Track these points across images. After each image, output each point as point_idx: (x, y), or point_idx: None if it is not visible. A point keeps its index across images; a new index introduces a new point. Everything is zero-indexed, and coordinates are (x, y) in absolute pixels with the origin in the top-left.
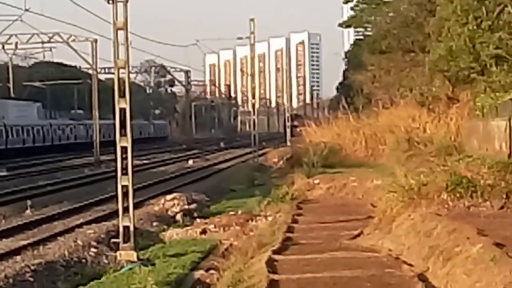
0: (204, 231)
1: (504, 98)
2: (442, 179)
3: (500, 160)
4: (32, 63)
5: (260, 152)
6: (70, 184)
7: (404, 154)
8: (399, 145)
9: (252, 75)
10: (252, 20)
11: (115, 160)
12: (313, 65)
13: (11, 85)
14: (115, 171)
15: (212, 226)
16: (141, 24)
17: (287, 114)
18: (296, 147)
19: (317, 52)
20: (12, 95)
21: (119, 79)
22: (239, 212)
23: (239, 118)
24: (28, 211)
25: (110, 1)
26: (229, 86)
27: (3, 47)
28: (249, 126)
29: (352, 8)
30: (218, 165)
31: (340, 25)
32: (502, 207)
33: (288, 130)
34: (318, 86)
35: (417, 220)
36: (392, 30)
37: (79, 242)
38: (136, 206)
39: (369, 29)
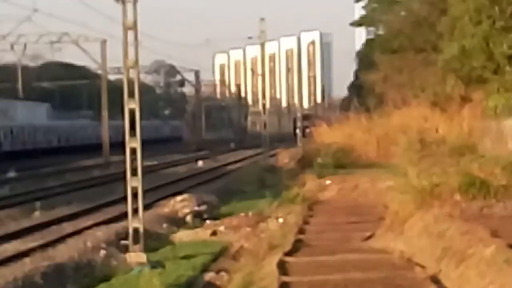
0: (214, 233)
1: None
2: (455, 180)
3: None
4: (41, 64)
5: (271, 152)
6: (79, 185)
7: (416, 155)
8: (411, 146)
9: (263, 75)
10: (262, 19)
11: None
12: (324, 64)
13: (20, 86)
14: (125, 172)
15: (223, 227)
16: (150, 24)
17: (298, 114)
18: (307, 148)
19: (328, 52)
20: (21, 95)
21: (128, 79)
22: (250, 213)
23: (249, 118)
24: (37, 213)
25: (120, 1)
26: (239, 86)
27: (12, 47)
28: (260, 127)
29: (363, 7)
30: (228, 166)
31: (352, 24)
32: None
33: (297, 131)
34: (329, 86)
35: (429, 221)
36: (404, 30)
37: (89, 244)
38: (146, 207)
39: (380, 28)
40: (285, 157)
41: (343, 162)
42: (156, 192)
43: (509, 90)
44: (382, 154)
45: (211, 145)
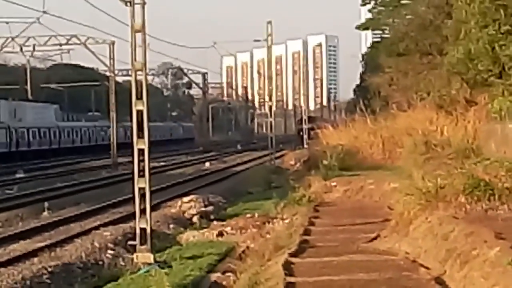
0: (221, 234)
1: None
2: (460, 182)
3: None
4: (50, 65)
5: (277, 154)
6: (87, 186)
7: (422, 157)
8: (417, 148)
9: (270, 78)
10: (269, 22)
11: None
12: (330, 67)
13: (28, 87)
14: (132, 173)
15: (229, 228)
16: (158, 26)
17: (303, 116)
18: (313, 150)
19: (334, 55)
20: (30, 97)
21: (136, 81)
22: (256, 214)
23: (256, 120)
24: (45, 213)
25: (128, 3)
26: (246, 88)
27: (21, 49)
28: (266, 129)
29: (369, 11)
30: (235, 168)
31: (358, 27)
32: None
33: (301, 133)
34: (335, 88)
35: (434, 223)
36: (410, 33)
37: (96, 244)
38: (153, 208)
39: (386, 31)
40: (291, 159)
41: (348, 164)
42: (164, 193)
43: None
44: (387, 156)
45: (218, 147)
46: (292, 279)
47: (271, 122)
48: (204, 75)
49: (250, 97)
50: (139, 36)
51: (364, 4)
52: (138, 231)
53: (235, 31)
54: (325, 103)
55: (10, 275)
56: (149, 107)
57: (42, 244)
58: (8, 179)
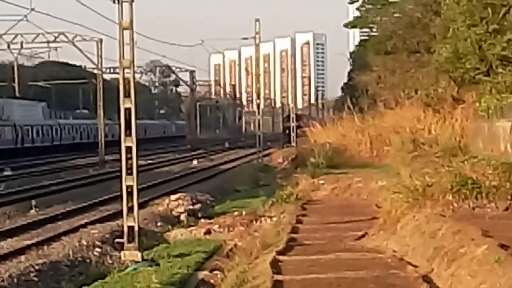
0: (208, 232)
1: (509, 99)
2: (447, 180)
3: (505, 161)
4: (38, 63)
5: (265, 152)
6: (74, 184)
7: (409, 155)
8: (404, 146)
9: (257, 76)
10: (257, 20)
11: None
12: (318, 65)
13: (16, 85)
14: (120, 171)
15: (217, 226)
16: (146, 24)
17: (291, 114)
18: (301, 148)
19: (322, 53)
20: (17, 94)
21: (124, 79)
22: (244, 212)
23: (244, 118)
24: (32, 211)
25: (116, 1)
26: (234, 86)
27: (9, 46)
28: (254, 126)
29: (357, 9)
30: (222, 165)
31: (346, 25)
32: (507, 209)
33: (287, 131)
34: (323, 86)
35: (421, 221)
36: (398, 31)
37: (84, 242)
38: (141, 206)
39: (374, 29)
40: (279, 157)
41: (336, 162)
42: (151, 191)
43: (501, 91)
44: (375, 154)
45: (206, 145)
46: (279, 277)
47: (259, 120)
48: (192, 73)
49: (238, 95)
50: (127, 33)
51: (352, 2)
52: (125, 229)
53: (223, 29)
54: (313, 101)
55: None
56: (137, 105)
57: (29, 242)
58: None
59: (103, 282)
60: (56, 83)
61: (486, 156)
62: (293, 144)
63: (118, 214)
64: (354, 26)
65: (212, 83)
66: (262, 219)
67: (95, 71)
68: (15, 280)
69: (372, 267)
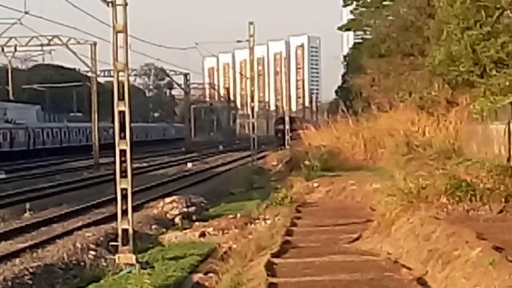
0: (203, 234)
1: (503, 101)
2: (441, 182)
3: (499, 164)
4: (32, 66)
5: (259, 155)
6: (69, 187)
7: (403, 158)
8: (398, 149)
9: (251, 78)
10: (251, 23)
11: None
12: (312, 68)
13: (10, 88)
14: (114, 174)
15: (211, 229)
16: (140, 27)
17: (285, 117)
18: (295, 150)
19: (316, 56)
20: (11, 97)
21: (118, 82)
22: (238, 215)
23: (238, 121)
24: (26, 214)
25: (110, 4)
26: (228, 89)
27: (3, 49)
28: (248, 129)
29: (351, 12)
30: (217, 168)
31: (340, 28)
32: (501, 211)
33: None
34: (317, 89)
35: (416, 223)
36: (391, 34)
37: (78, 245)
38: (135, 209)
39: (368, 32)
40: (273, 160)
41: (330, 164)
42: (146, 194)
43: (495, 94)
44: (369, 157)
45: (200, 148)
46: (274, 280)
47: (253, 123)
48: (186, 75)
49: (232, 98)
50: (121, 36)
51: (346, 5)
52: (120, 232)
53: (217, 32)
54: (307, 104)
55: None
56: (131, 107)
57: (23, 245)
58: None
59: (97, 285)
60: (50, 86)
61: (480, 158)
62: (287, 146)
63: (113, 217)
64: (348, 29)
65: (206, 86)
66: (257, 221)
67: (89, 74)
68: (10, 283)
69: (366, 269)
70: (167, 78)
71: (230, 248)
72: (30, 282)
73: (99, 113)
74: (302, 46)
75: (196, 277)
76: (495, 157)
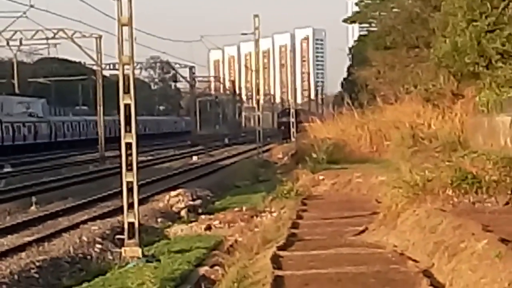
0: (209, 227)
1: (509, 93)
2: (447, 174)
3: (505, 156)
4: (37, 59)
5: (265, 148)
6: (75, 180)
7: (409, 150)
8: (404, 141)
9: (257, 71)
10: (256, 16)
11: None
12: (317, 61)
13: (15, 81)
14: (120, 167)
15: (217, 222)
16: (145, 20)
17: (291, 109)
18: (301, 143)
19: (321, 48)
20: (17, 91)
21: (123, 75)
22: (244, 208)
23: (243, 114)
24: (33, 207)
25: None
26: (233, 82)
27: (8, 43)
28: (254, 122)
29: (356, 4)
30: (222, 161)
31: (345, 20)
32: (507, 203)
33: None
34: (322, 82)
35: (422, 216)
36: (397, 26)
37: (84, 238)
38: (141, 202)
39: (373, 24)
40: (278, 152)
41: (336, 157)
42: (151, 187)
43: (501, 85)
44: (375, 150)
45: (206, 141)
46: (280, 273)
47: (258, 116)
48: (191, 68)
49: (237, 91)
50: (126, 30)
51: None
52: (126, 225)
53: (222, 25)
54: (312, 96)
55: None
56: (137, 101)
57: (30, 239)
58: None
59: (103, 278)
60: (56, 79)
61: (486, 150)
62: (293, 139)
63: (119, 210)
64: (353, 21)
65: (212, 79)
66: (263, 214)
67: (95, 67)
68: (16, 277)
69: (372, 262)
70: (173, 71)
71: (236, 241)
72: (36, 275)
73: (104, 106)
74: (307, 38)
75: (202, 270)
76: (501, 149)
